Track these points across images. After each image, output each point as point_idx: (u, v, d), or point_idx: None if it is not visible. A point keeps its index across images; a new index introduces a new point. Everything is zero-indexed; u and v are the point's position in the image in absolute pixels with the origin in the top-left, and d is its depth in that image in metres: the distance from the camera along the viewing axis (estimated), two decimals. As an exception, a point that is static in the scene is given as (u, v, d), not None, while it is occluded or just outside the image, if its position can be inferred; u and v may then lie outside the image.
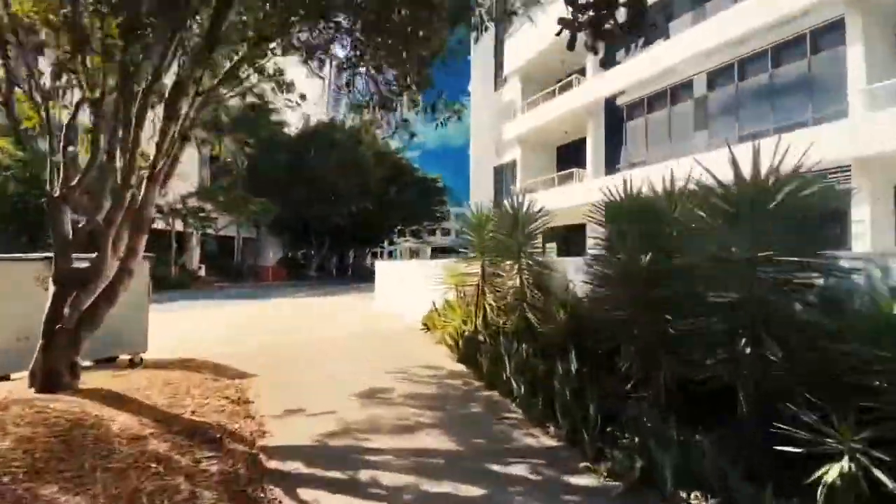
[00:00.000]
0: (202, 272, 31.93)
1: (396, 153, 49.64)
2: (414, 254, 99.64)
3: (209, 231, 31.04)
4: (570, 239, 19.66)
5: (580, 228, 18.81)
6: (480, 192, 26.34)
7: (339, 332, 8.62)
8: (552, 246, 20.64)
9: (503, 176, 24.78)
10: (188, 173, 34.12)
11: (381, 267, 13.16)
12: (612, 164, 16.61)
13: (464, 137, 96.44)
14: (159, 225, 27.92)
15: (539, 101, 19.32)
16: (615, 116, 16.51)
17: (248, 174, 36.18)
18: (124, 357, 5.69)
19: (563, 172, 17.88)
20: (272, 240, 40.09)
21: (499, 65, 26.06)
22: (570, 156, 20.12)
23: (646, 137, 15.40)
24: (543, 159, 21.09)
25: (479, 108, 27.28)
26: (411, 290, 9.56)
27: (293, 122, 41.06)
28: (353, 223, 39.47)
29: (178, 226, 27.93)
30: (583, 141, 19.42)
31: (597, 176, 16.48)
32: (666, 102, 14.71)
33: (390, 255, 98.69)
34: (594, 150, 16.69)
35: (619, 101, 16.21)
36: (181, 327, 8.97)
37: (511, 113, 24.04)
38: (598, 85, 16.04)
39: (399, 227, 55.60)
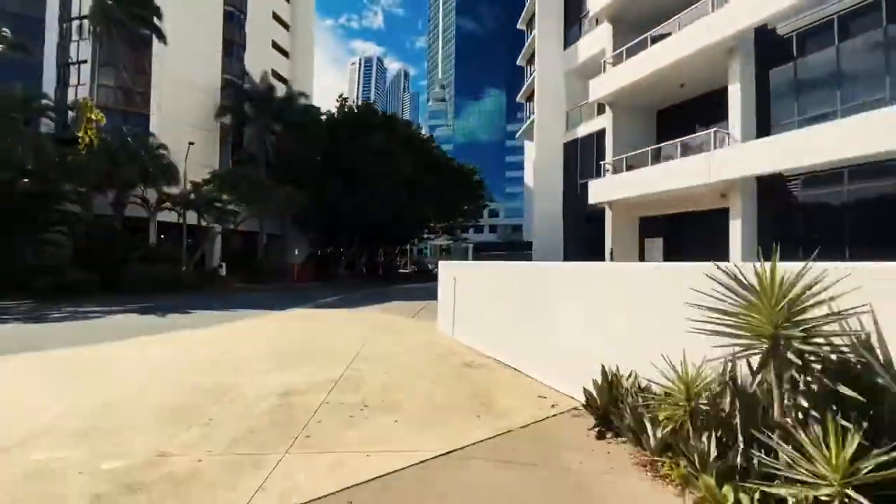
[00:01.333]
0: (223, 271, 28.42)
1: (431, 141, 45.44)
2: (445, 252, 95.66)
3: (229, 225, 27.46)
4: (680, 232, 14.74)
5: (700, 217, 13.86)
6: (543, 180, 21.62)
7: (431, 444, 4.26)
8: (655, 243, 15.74)
9: (577, 154, 20.01)
10: (209, 160, 31.05)
11: (456, 272, 7.72)
12: (765, 124, 11.67)
13: (492, 132, 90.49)
14: (170, 217, 24.62)
15: (639, 47, 14.47)
16: (774, 52, 11.53)
17: (277, 163, 32.68)
18: None
19: (686, 138, 13.00)
20: (299, 237, 36.37)
21: (570, 16, 21.25)
22: (678, 121, 15.20)
23: (837, 76, 10.38)
24: (638, 129, 16.21)
25: (542, 73, 22.54)
26: (545, 324, 5.04)
27: (327, 107, 37.50)
28: (386, 218, 35.37)
29: (192, 218, 24.39)
30: (703, 98, 14.47)
31: (745, 138, 11.55)
32: (876, 20, 9.69)
33: (420, 252, 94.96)
34: (743, 103, 11.74)
35: (784, 29, 11.23)
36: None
37: (587, 74, 19.23)
38: (750, 5, 11.10)
39: (431, 224, 51.45)
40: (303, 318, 10.84)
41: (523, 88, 31.93)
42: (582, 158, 19.73)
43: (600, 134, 18.49)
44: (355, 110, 36.74)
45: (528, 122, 26.65)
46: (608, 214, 15.97)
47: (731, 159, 11.33)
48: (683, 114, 15.29)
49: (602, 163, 15.86)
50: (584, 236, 19.65)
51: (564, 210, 20.51)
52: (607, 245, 16.01)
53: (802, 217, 11.24)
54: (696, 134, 12.70)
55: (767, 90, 11.78)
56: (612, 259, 15.82)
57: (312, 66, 47.13)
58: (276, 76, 37.87)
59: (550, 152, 20.49)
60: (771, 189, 11.67)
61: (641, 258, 16.23)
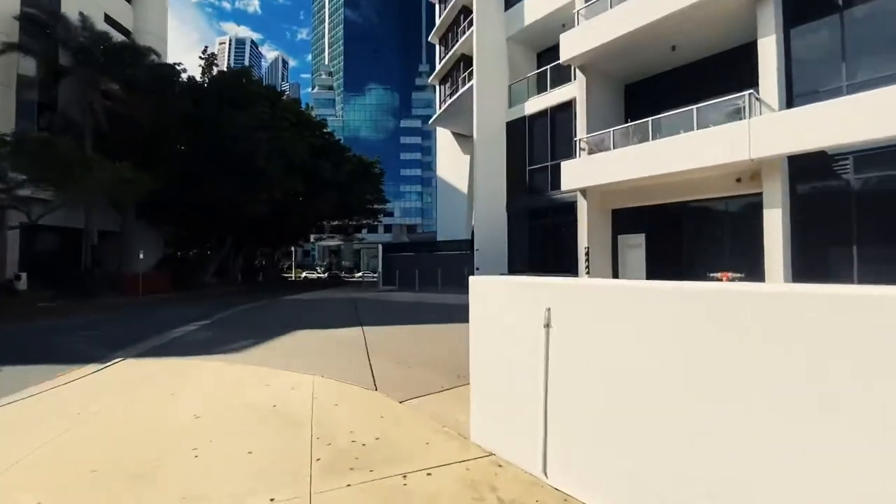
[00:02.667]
0: (22, 284, 19.54)
1: (324, 126, 39.30)
2: (334, 254, 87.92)
3: (32, 217, 18.62)
4: (668, 227, 12.10)
5: (696, 208, 11.32)
6: (482, 167, 17.96)
7: None
8: (632, 241, 12.93)
9: (525, 135, 16.67)
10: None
11: (551, 301, 2.81)
12: (797, 91, 9.34)
13: (383, 127, 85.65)
14: None
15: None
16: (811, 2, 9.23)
17: (114, 134, 23.69)
18: None
19: (708, 103, 10.18)
20: (149, 235, 27.57)
21: (514, -29, 17.87)
22: (655, 95, 12.65)
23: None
24: (610, 103, 13.36)
25: (481, 36, 18.81)
26: None
27: (190, 67, 28.96)
28: (270, 212, 28.64)
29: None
30: (698, 65, 12.02)
31: (784, 105, 9.03)
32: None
33: (307, 255, 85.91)
34: (777, 64, 9.21)
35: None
36: None
37: (534, 41, 16.04)
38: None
39: (324, 222, 45.13)
40: (106, 407, 5.26)
41: (437, 69, 28.11)
42: (532, 140, 16.42)
43: (559, 109, 15.35)
44: (226, 78, 29.19)
45: (454, 101, 22.80)
46: (581, 205, 12.73)
47: (775, 130, 8.65)
48: (665, 87, 12.75)
49: (577, 139, 12.56)
50: (537, 234, 16.36)
51: (510, 203, 16.99)
52: (581, 244, 12.75)
53: (853, 207, 9.03)
54: (723, 98, 9.96)
55: (797, 52, 9.43)
56: (587, 262, 12.63)
57: (165, 20, 37.42)
58: (113, 24, 28.45)
59: (490, 134, 16.86)
60: (806, 172, 9.33)
61: (615, 260, 13.35)
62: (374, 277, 48.71)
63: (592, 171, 11.75)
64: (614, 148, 11.45)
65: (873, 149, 8.48)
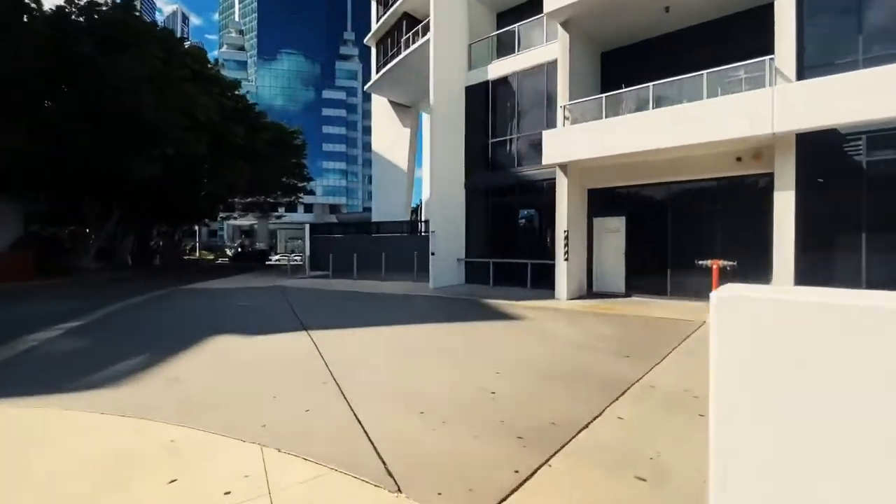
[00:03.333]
0: None
1: (237, 85, 34.15)
2: (246, 234, 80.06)
3: None
4: (652, 208, 11.06)
5: (686, 189, 10.33)
6: (438, 139, 15.89)
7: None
8: (610, 224, 11.73)
9: (488, 103, 14.74)
10: None
11: None
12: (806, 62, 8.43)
13: (303, 99, 79.26)
14: None
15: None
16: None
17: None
18: None
19: (715, 70, 8.92)
20: (1, 207, 21.54)
21: (477, -88, 15.57)
22: (634, 64, 11.41)
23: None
24: (589, 68, 11.90)
25: None
26: None
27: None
28: (168, 183, 23.94)
29: None
30: (683, 33, 10.89)
31: (790, 77, 8.06)
32: None
33: (213, 235, 77.27)
34: (795, 29, 8.18)
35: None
36: None
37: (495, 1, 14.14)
38: None
39: (237, 198, 40.03)
40: None
41: (373, 29, 25.12)
42: (495, 108, 14.55)
43: (528, 74, 13.59)
44: (104, 7, 23.47)
45: (396, 65, 20.16)
46: (561, 182, 11.18)
47: (806, 101, 7.60)
48: (645, 56, 11.53)
49: (563, 105, 10.87)
50: (500, 215, 14.65)
51: (469, 180, 15.07)
52: (559, 226, 11.24)
53: (864, 190, 8.37)
54: (739, 63, 8.75)
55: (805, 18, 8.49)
56: (566, 247, 11.17)
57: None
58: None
59: (447, 100, 14.67)
60: (814, 151, 8.52)
61: (590, 245, 12.08)
62: (297, 261, 44.48)
63: (580, 142, 10.19)
64: (605, 118, 9.96)
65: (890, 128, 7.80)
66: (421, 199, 45.00)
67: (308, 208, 72.95)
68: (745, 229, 9.95)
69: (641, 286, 11.38)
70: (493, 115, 14.57)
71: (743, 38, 10.06)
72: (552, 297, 11.49)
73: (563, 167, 11.09)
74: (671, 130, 8.95)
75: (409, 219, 26.58)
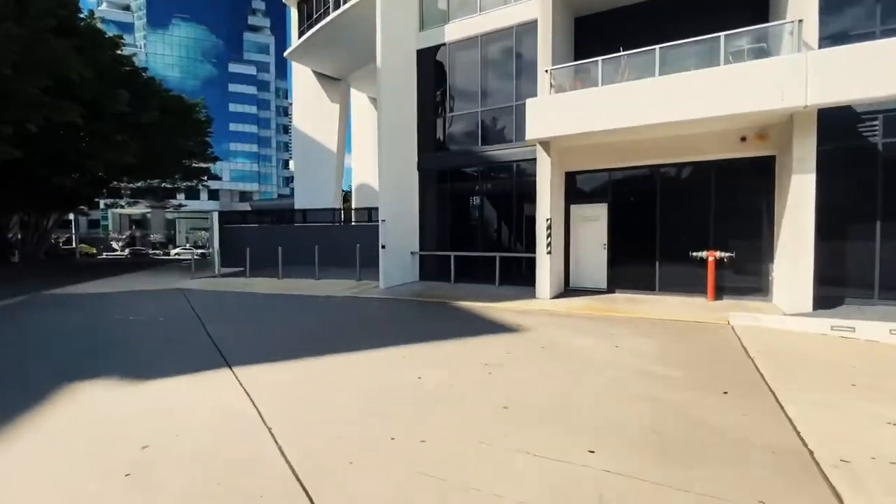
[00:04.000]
0: None
1: (120, 44, 28.24)
2: (137, 225, 69.54)
3: None
4: (638, 195, 9.94)
5: (676, 173, 9.28)
6: (387, 112, 13.54)
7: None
8: (590, 211, 10.41)
9: (445, 70, 12.62)
10: None
11: None
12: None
13: (206, 74, 70.95)
14: None
15: None
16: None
17: None
18: None
19: (735, 32, 7.66)
20: None
21: None
22: (611, 32, 10.09)
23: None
24: (560, 36, 10.34)
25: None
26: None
27: None
28: (27, 160, 18.81)
29: None
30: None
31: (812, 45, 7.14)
32: None
33: (94, 225, 66.10)
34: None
35: None
36: None
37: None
38: None
39: (123, 181, 33.91)
40: None
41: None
42: (454, 77, 12.51)
43: (495, 38, 11.72)
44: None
45: (323, 28, 17.25)
46: (543, 163, 9.54)
47: (847, 69, 6.60)
48: (622, 24, 10.24)
49: (547, 70, 9.14)
50: (460, 202, 12.71)
51: (423, 161, 12.93)
52: (540, 214, 9.61)
53: (879, 173, 7.71)
54: (763, 25, 7.57)
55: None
56: (549, 238, 9.58)
57: None
58: None
59: (396, 66, 12.27)
60: (832, 131, 7.72)
61: (567, 235, 10.65)
62: (201, 255, 38.90)
63: (570, 114, 8.55)
64: (602, 84, 8.41)
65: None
66: (351, 185, 41.69)
67: (213, 195, 65.39)
68: (742, 217, 9.06)
69: (626, 281, 10.17)
70: (451, 84, 12.52)
71: (735, 7, 9.09)
72: (531, 295, 9.88)
73: (546, 145, 9.43)
74: (684, 101, 7.62)
75: (341, 206, 23.69)
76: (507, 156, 11.48)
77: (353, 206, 24.84)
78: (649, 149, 9.43)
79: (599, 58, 8.54)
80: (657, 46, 8.06)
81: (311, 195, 23.59)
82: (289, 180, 75.30)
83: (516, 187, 11.58)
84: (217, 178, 67.15)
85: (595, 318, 7.67)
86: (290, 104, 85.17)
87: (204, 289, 13.11)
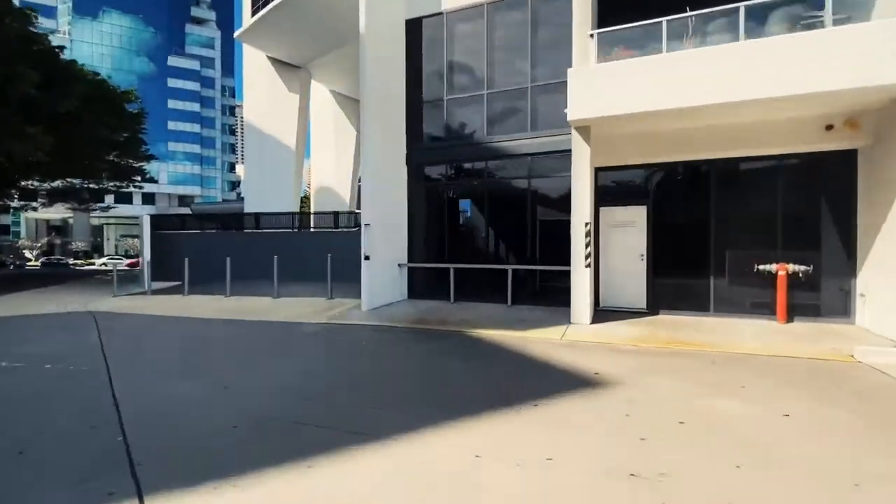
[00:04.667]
0: None
1: (32, 17, 23.92)
2: (56, 231, 61.46)
3: None
4: (685, 196, 8.26)
5: (733, 170, 7.66)
6: (370, 101, 11.28)
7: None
8: (630, 213, 8.63)
9: (443, 44, 10.45)
10: None
11: None
12: None
13: (123, 63, 65.08)
14: None
15: None
16: None
17: None
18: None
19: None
20: None
21: None
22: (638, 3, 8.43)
23: None
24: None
25: None
26: None
27: None
28: None
29: None
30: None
31: None
32: None
33: (4, 231, 57.71)
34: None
35: None
36: None
37: None
38: None
39: (35, 181, 29.13)
40: None
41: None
42: (452, 52, 10.40)
43: (504, 5, 9.73)
44: None
45: (281, 4, 14.71)
46: (581, 153, 7.59)
47: None
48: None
49: (592, 34, 7.21)
50: (458, 204, 10.53)
51: (413, 154, 10.68)
52: (579, 217, 7.65)
53: None
54: None
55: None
56: (588, 249, 7.61)
57: None
58: None
59: (381, 39, 9.94)
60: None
61: (596, 244, 8.75)
62: (131, 266, 34.14)
63: (623, 89, 6.64)
64: (667, 51, 6.59)
65: None
66: (308, 189, 38.51)
67: (149, 199, 59.31)
68: (814, 223, 7.53)
69: (670, 299, 8.38)
70: (450, 62, 10.40)
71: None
72: (560, 319, 7.86)
73: (584, 131, 7.49)
74: (784, 73, 5.90)
75: (299, 210, 20.80)
76: (519, 148, 9.47)
77: (313, 211, 22.00)
78: (704, 139, 7.74)
79: (663, 18, 6.72)
80: (740, 3, 6.33)
81: (263, 198, 20.59)
82: (235, 184, 70.02)
83: (531, 186, 9.59)
84: (153, 180, 61.06)
85: (677, 355, 5.72)
86: (239, 105, 79.65)
87: (126, 312, 10.09)
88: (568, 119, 7.01)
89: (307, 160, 30.87)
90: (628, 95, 6.62)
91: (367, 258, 9.29)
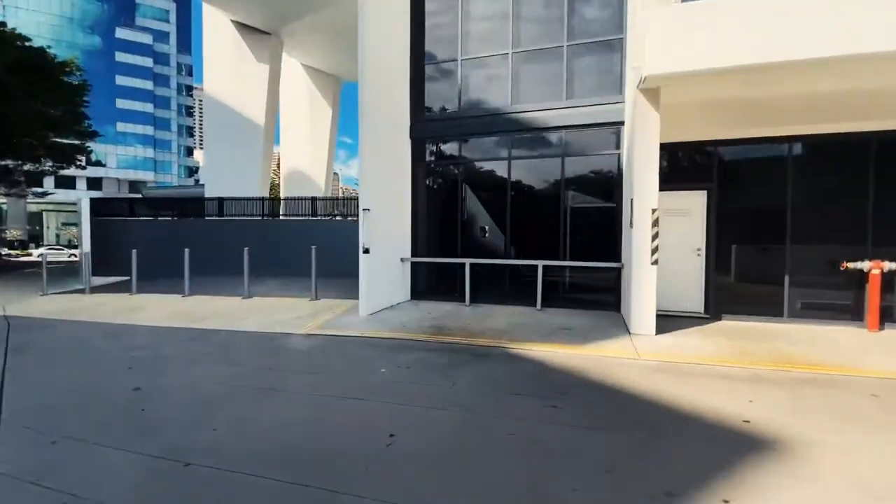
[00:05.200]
0: None
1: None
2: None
3: None
4: (767, 180, 6.94)
5: (823, 154, 6.36)
6: (371, 65, 9.35)
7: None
8: (687, 199, 7.24)
9: (444, -3, 8.68)
10: None
11: None
12: None
13: (65, 35, 59.72)
14: None
15: None
16: None
17: None
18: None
19: None
20: None
21: None
22: None
23: None
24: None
25: None
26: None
27: None
28: None
29: None
30: None
31: None
32: None
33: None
34: None
35: None
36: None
37: None
38: None
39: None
40: None
41: None
42: (472, 3, 8.66)
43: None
44: None
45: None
46: (648, 121, 6.07)
47: None
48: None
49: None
50: (478, 187, 8.84)
51: (418, 125, 8.92)
52: (643, 201, 6.16)
53: None
54: None
55: None
56: (654, 239, 6.14)
57: None
58: None
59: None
60: None
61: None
62: (72, 255, 30.66)
63: (721, 36, 5.12)
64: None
65: None
66: (275, 174, 35.97)
67: (96, 184, 54.37)
68: (913, 213, 6.36)
69: (735, 302, 7.07)
70: (465, 13, 8.65)
71: None
72: (616, 328, 6.42)
73: (653, 95, 5.96)
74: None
75: (268, 195, 18.50)
76: (551, 119, 7.89)
77: (283, 196, 19.80)
78: (789, 110, 6.40)
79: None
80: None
81: (227, 183, 18.21)
82: (193, 171, 65.40)
83: (566, 167, 8.04)
84: (101, 164, 56.00)
85: (810, 383, 4.31)
86: (198, 88, 74.24)
87: (53, 318, 7.90)
88: (644, 74, 5.44)
89: (276, 146, 28.30)
90: (729, 44, 5.11)
91: (366, 251, 7.49)
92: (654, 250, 6.12)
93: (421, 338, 6.11)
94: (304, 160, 23.99)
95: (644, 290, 6.13)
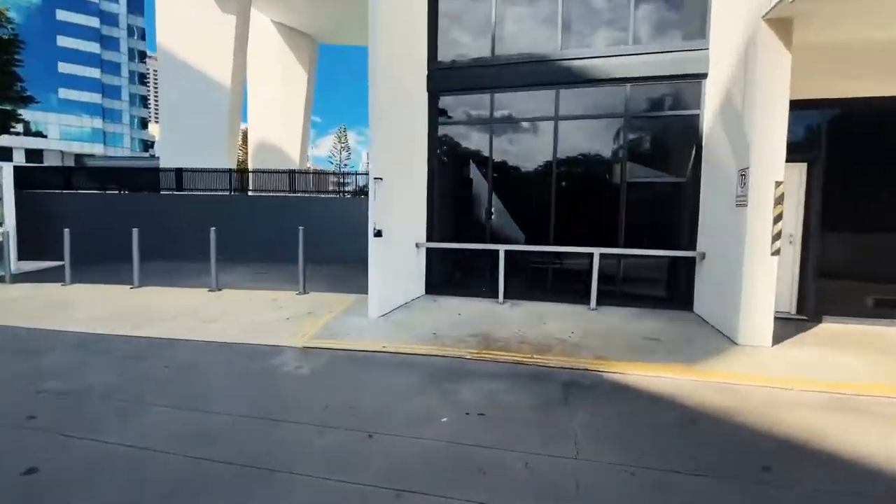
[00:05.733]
0: None
1: None
2: None
3: None
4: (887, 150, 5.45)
5: None
6: (384, 27, 7.02)
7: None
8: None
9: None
10: None
11: None
12: None
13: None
14: None
15: None
16: None
17: None
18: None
19: None
20: None
21: None
22: None
23: None
24: None
25: None
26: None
27: None
28: None
29: None
30: None
31: None
32: None
33: None
34: None
35: None
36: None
37: None
38: None
39: None
40: None
41: None
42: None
43: None
44: None
45: None
46: (776, 64, 4.51)
47: None
48: None
49: None
50: (514, 153, 7.12)
51: (434, 75, 7.08)
52: (762, 171, 4.64)
53: None
54: None
55: None
56: (777, 222, 4.66)
57: None
58: None
59: None
60: None
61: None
62: None
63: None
64: None
65: None
66: (241, 150, 33.08)
67: (36, 157, 49.09)
68: None
69: (838, 302, 5.75)
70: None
71: None
72: (712, 335, 4.97)
73: (784, 27, 4.42)
74: None
75: (236, 167, 16.15)
76: (613, 69, 6.26)
77: (257, 168, 17.49)
78: (933, 59, 5.01)
79: None
80: None
81: (184, 152, 15.75)
82: (149, 145, 60.33)
83: (627, 128, 6.45)
84: (41, 134, 50.63)
85: None
86: (152, 57, 68.17)
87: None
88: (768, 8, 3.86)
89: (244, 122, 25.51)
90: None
91: (378, 234, 5.71)
92: (777, 236, 4.65)
93: (468, 355, 4.46)
94: (276, 131, 21.50)
95: (759, 289, 4.68)
